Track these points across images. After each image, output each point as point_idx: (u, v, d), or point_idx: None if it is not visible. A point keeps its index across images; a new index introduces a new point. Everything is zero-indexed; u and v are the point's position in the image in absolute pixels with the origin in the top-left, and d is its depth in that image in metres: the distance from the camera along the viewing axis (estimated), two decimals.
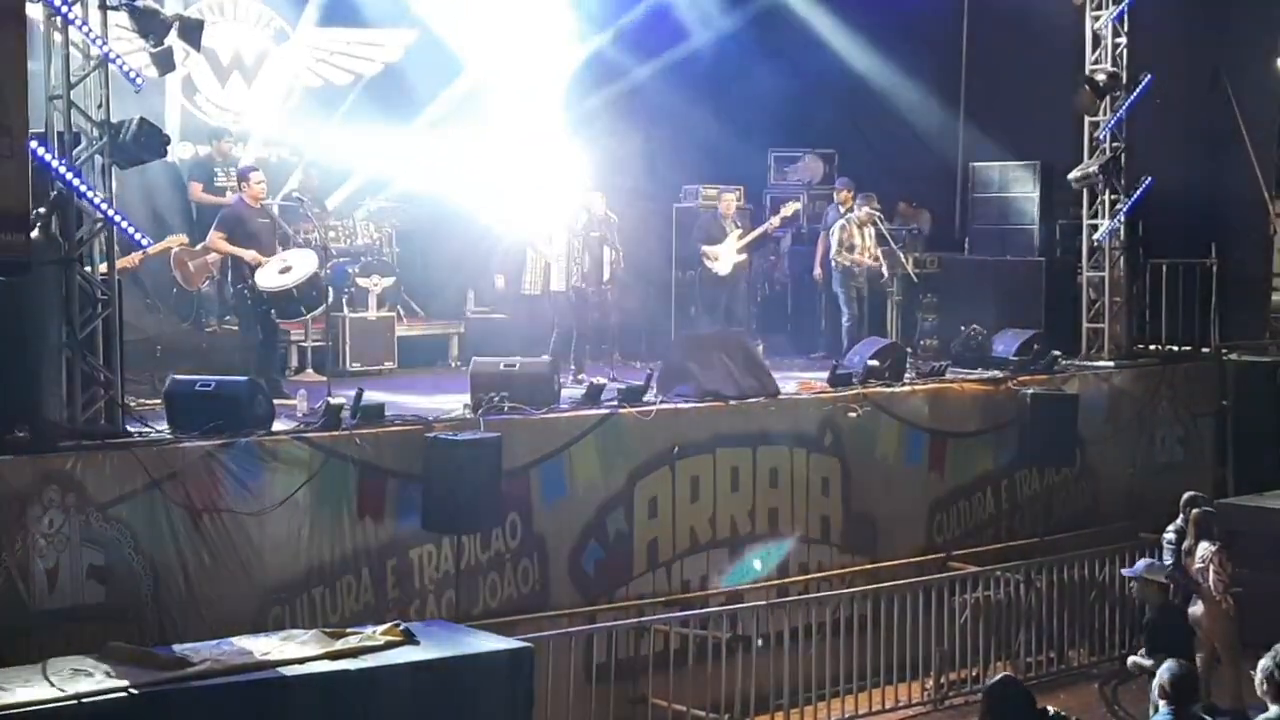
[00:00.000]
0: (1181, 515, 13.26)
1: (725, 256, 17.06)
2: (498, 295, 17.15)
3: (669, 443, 13.19)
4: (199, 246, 14.72)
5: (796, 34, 19.59)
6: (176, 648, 9.47)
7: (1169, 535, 13.29)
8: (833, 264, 17.10)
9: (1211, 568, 12.60)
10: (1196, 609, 12.63)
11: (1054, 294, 17.51)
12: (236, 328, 14.57)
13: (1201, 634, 12.56)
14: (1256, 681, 8.70)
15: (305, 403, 12.24)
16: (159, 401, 11.58)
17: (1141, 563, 12.21)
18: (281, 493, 10.93)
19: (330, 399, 11.69)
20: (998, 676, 8.92)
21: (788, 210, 17.82)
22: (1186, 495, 13.46)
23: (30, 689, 8.53)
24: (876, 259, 17.08)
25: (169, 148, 11.64)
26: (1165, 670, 8.55)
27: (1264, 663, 8.64)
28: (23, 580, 9.79)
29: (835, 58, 19.67)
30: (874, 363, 14.97)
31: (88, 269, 10.78)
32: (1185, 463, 17.17)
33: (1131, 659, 11.64)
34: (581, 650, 12.03)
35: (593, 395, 13.15)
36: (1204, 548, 12.67)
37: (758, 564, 13.68)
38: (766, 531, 13.83)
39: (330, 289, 14.21)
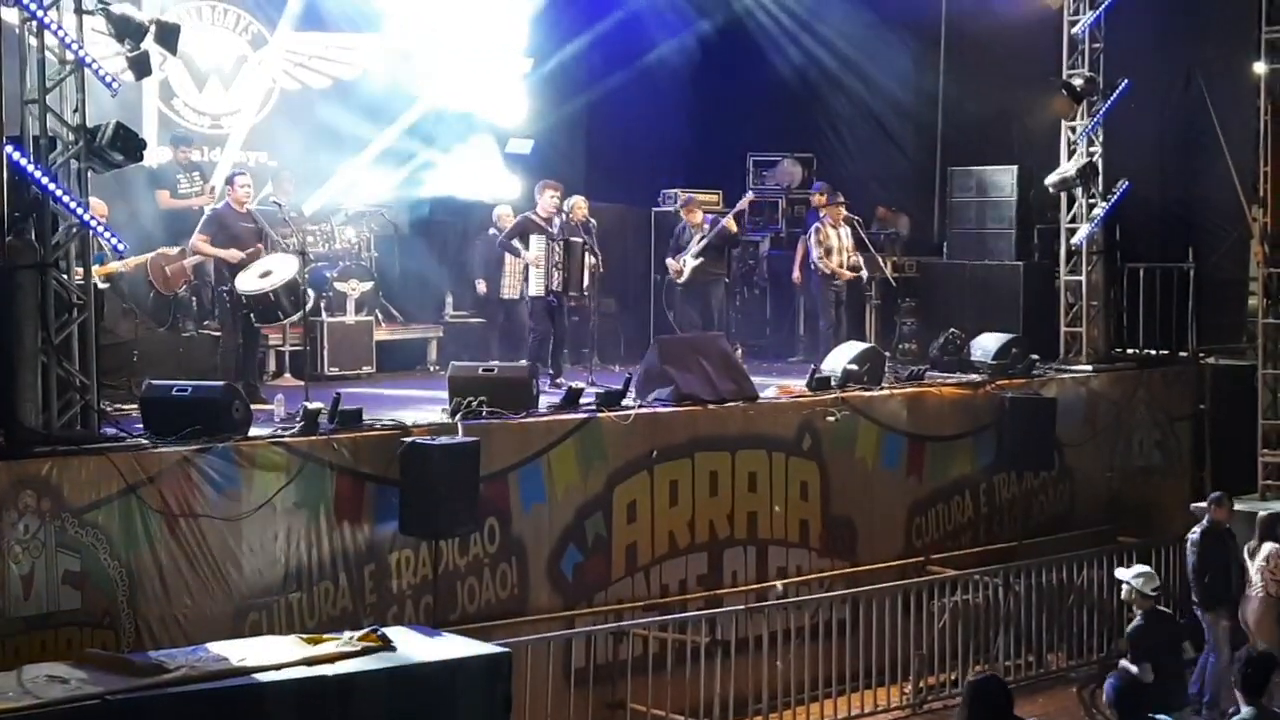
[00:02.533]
0: (1207, 516, 13.34)
1: (686, 265, 16.97)
2: (477, 300, 17.15)
3: (647, 447, 13.19)
4: (176, 250, 14.69)
5: (775, 37, 19.61)
6: (152, 654, 9.44)
7: (1193, 535, 13.36)
8: (813, 268, 17.08)
9: (1267, 568, 12.74)
10: (1246, 608, 12.70)
11: (1032, 298, 17.54)
12: (213, 333, 14.54)
13: (1249, 634, 12.63)
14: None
15: (283, 407, 12.21)
16: (135, 406, 11.54)
17: (1136, 570, 12.21)
18: (259, 498, 10.90)
19: (308, 403, 11.66)
20: (982, 674, 8.95)
21: (742, 204, 17.66)
22: (1214, 495, 13.56)
23: (5, 696, 8.48)
24: (857, 265, 17.06)
25: (145, 152, 11.60)
26: (1108, 683, 8.57)
27: (1235, 666, 8.70)
28: None
29: (814, 61, 19.69)
30: (852, 367, 14.98)
31: (64, 274, 10.73)
32: (1163, 466, 17.22)
33: (1121, 663, 11.67)
34: (560, 655, 12.01)
35: (571, 399, 13.14)
36: (1269, 548, 12.80)
37: None
38: (745, 536, 13.82)
39: (310, 294, 14.19)
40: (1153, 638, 11.72)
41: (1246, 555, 12.98)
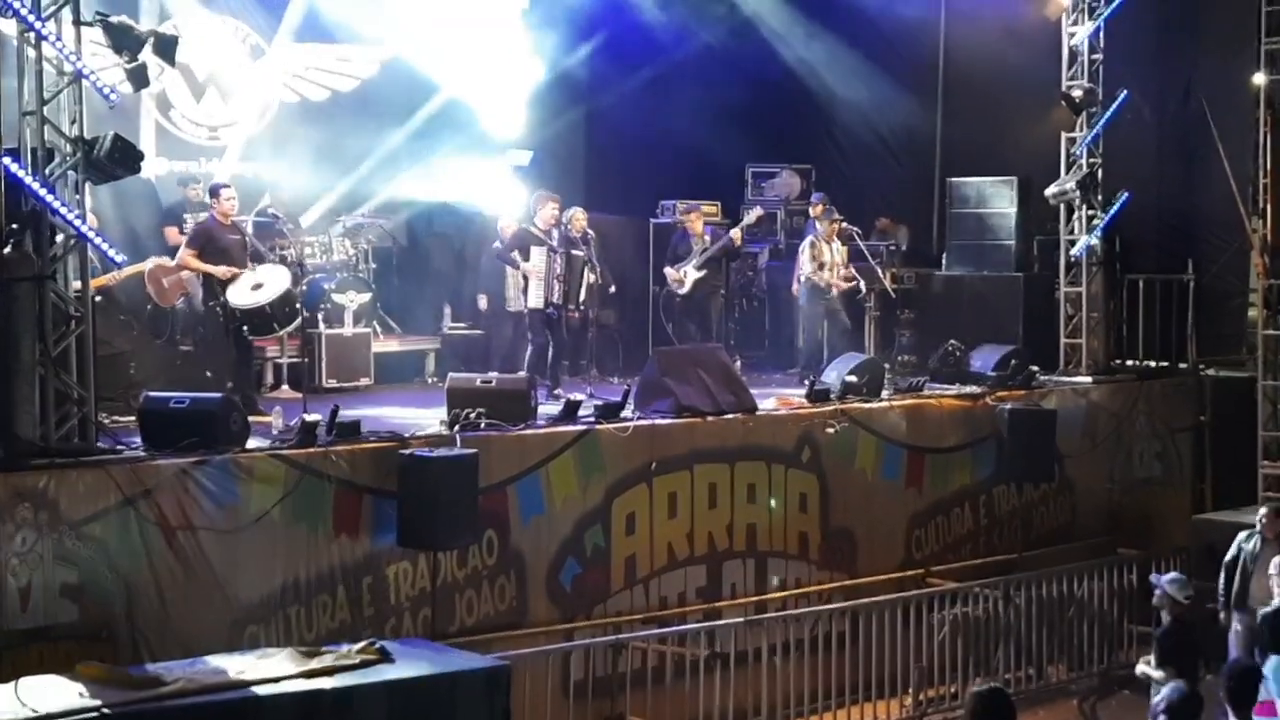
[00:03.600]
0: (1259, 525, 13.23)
1: (688, 275, 16.98)
2: (475, 312, 17.13)
3: (646, 459, 13.16)
4: (173, 262, 14.67)
5: (774, 49, 19.61)
6: (150, 667, 9.39)
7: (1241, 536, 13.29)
8: (805, 280, 17.05)
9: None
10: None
11: (1032, 309, 17.53)
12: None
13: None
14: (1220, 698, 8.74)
15: (280, 419, 12.19)
16: (133, 419, 11.52)
17: (1171, 575, 12.17)
18: (256, 510, 10.87)
19: (306, 415, 11.63)
20: (987, 685, 8.88)
21: (750, 218, 17.72)
22: (1267, 509, 13.43)
23: (2, 709, 8.46)
24: (852, 276, 17.04)
25: (143, 164, 11.58)
26: (1170, 691, 8.54)
27: (1220, 679, 8.68)
28: None
29: (813, 72, 19.69)
30: (852, 378, 14.97)
31: (61, 286, 10.71)
32: (1163, 478, 17.20)
33: (1140, 667, 11.61)
34: (559, 668, 11.98)
35: (570, 411, 13.11)
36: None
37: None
38: (744, 548, 13.80)
39: (304, 306, 14.17)
40: (1181, 640, 11.66)
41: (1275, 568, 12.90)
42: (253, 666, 9.34)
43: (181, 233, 15.49)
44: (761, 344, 19.03)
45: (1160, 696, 8.52)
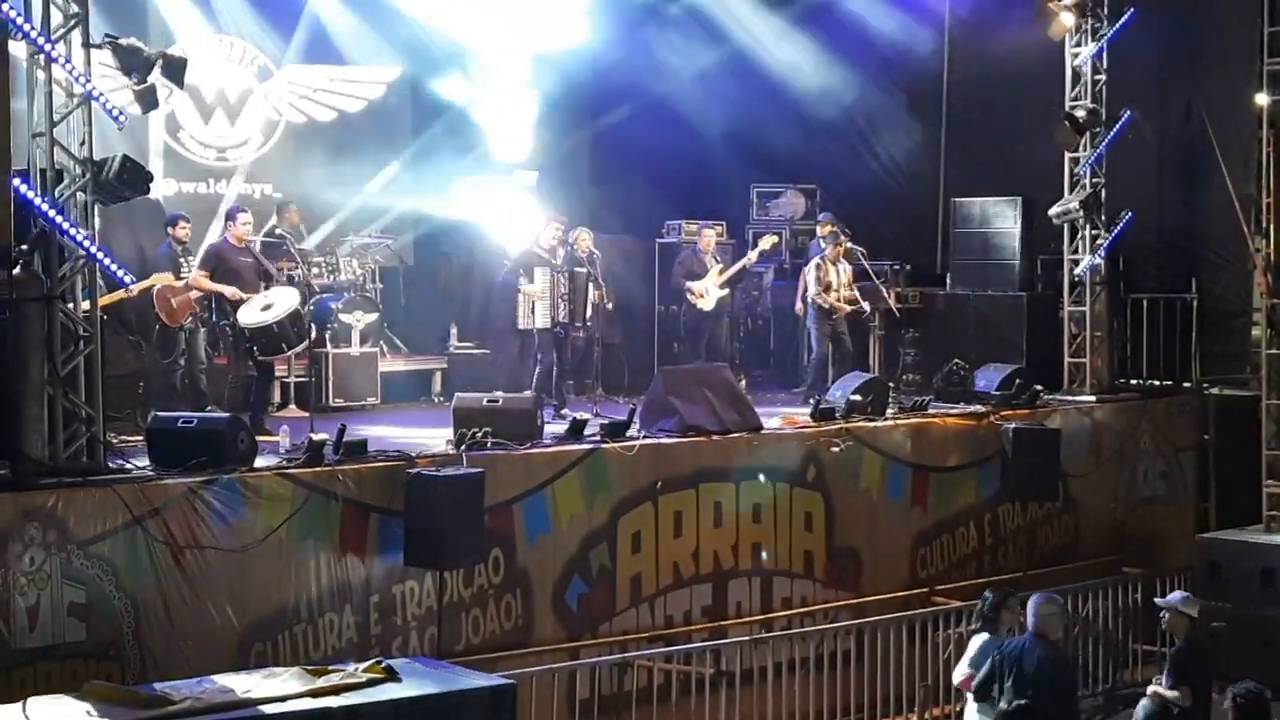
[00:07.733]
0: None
1: (709, 292, 17.09)
2: (481, 331, 17.17)
3: (652, 478, 13.19)
4: (181, 282, 14.71)
5: (778, 70, 19.66)
6: (158, 686, 9.42)
7: None
8: (810, 301, 17.10)
9: None
10: None
11: (1036, 329, 17.56)
12: (224, 363, 14.58)
13: None
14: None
15: (288, 439, 12.24)
16: (141, 438, 11.56)
17: (1177, 594, 12.17)
18: (263, 529, 10.90)
19: (313, 435, 11.68)
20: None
21: (765, 244, 17.85)
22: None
23: None
24: (854, 299, 17.07)
25: (152, 185, 11.63)
26: (1140, 706, 8.56)
27: (1226, 704, 8.70)
28: (3, 618, 9.73)
29: (817, 93, 19.74)
30: (856, 397, 14.99)
31: (70, 306, 10.76)
32: (1167, 497, 17.22)
33: (1153, 688, 11.59)
34: (565, 686, 11.99)
35: (576, 430, 13.16)
36: None
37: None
38: (750, 567, 13.82)
39: (314, 326, 14.23)
40: (1195, 659, 11.65)
41: None
42: (260, 685, 9.38)
43: (177, 278, 15.31)
44: (766, 363, 19.06)
45: (1138, 709, 8.53)
